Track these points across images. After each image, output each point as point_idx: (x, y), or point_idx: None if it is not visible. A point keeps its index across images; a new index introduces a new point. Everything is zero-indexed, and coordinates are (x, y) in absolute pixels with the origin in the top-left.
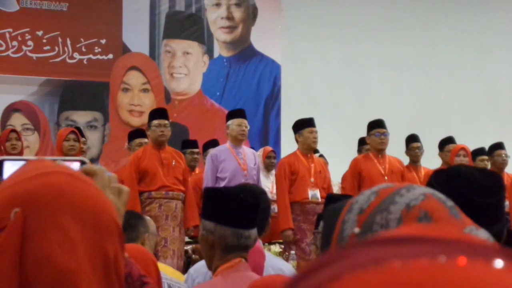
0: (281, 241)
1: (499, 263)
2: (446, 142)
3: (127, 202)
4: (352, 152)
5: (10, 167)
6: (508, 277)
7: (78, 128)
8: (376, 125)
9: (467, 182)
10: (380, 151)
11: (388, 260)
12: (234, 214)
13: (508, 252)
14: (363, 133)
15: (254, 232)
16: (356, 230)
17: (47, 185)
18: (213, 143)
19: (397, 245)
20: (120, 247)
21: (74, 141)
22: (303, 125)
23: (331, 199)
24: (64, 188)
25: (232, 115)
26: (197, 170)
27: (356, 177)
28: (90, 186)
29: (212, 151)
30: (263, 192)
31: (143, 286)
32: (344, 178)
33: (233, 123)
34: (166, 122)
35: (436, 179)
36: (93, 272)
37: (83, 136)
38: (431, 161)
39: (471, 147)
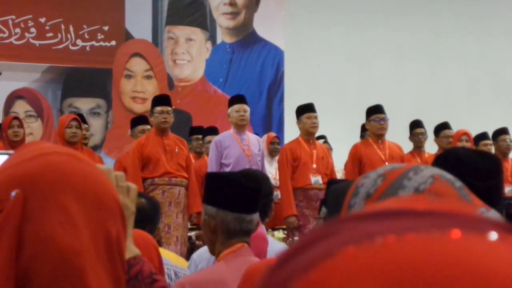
0: (284, 227)
1: (493, 235)
2: (441, 128)
3: (136, 199)
4: (356, 138)
5: None
6: (502, 249)
7: (81, 115)
8: (375, 111)
9: (465, 164)
10: (379, 137)
11: (382, 234)
12: (235, 199)
13: (502, 224)
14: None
15: (256, 216)
16: None
17: (46, 165)
18: (211, 130)
19: (391, 218)
20: (122, 228)
21: (76, 128)
22: (302, 111)
23: (332, 184)
24: (64, 168)
25: (232, 101)
26: (206, 157)
27: (357, 163)
28: (90, 167)
29: (216, 138)
30: (265, 177)
31: (153, 284)
32: (345, 165)
33: (233, 109)
34: (169, 108)
35: (436, 163)
36: (96, 253)
37: (86, 123)
38: (435, 146)
39: (475, 132)
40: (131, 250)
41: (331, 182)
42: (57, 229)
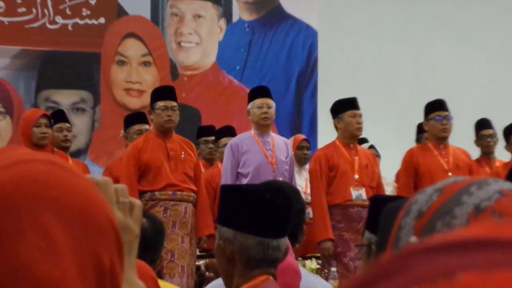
0: (318, 255)
1: None
2: None
3: (141, 219)
4: (409, 142)
5: None
6: None
7: (61, 111)
8: (436, 107)
9: None
10: (441, 140)
11: (461, 271)
12: (259, 219)
13: None
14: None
15: (284, 242)
16: (413, 239)
17: (22, 176)
18: (228, 131)
19: (472, 250)
20: (118, 255)
21: (46, 127)
22: (343, 107)
23: (377, 200)
24: (45, 180)
25: (252, 95)
26: (219, 165)
27: (412, 174)
28: (78, 178)
29: (232, 140)
30: (295, 191)
31: None
32: (397, 176)
33: (254, 105)
34: (174, 104)
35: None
36: (81, 283)
37: (67, 121)
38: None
39: None
40: (134, 283)
41: (376, 198)
42: (34, 256)
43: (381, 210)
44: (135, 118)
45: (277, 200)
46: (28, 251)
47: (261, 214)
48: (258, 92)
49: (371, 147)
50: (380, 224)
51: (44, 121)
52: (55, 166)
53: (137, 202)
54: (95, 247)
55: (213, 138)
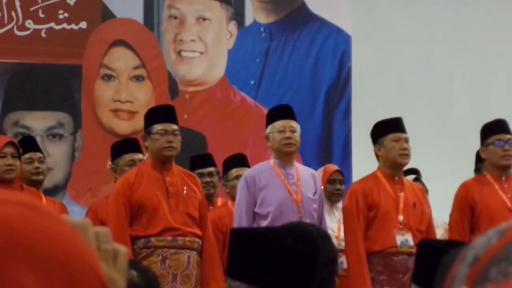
0: None
1: None
2: None
3: (126, 269)
4: (466, 173)
5: None
6: None
7: (32, 138)
8: (496, 129)
9: None
10: (503, 170)
11: None
12: (278, 272)
13: None
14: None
15: None
16: None
17: None
18: (238, 159)
19: None
20: None
21: (13, 157)
22: (384, 130)
23: (425, 247)
24: (18, 226)
25: (272, 116)
26: (219, 201)
27: (467, 213)
28: (57, 223)
29: (247, 172)
30: (325, 236)
31: None
32: (450, 217)
33: (274, 128)
34: (175, 127)
35: None
36: None
37: (39, 151)
38: None
39: None
40: None
41: (425, 244)
42: None
43: (431, 258)
44: (125, 146)
45: (300, 247)
46: None
47: (280, 265)
48: (279, 112)
49: (416, 179)
50: (437, 278)
51: (10, 150)
52: (29, 208)
53: (122, 249)
54: None
55: (211, 169)
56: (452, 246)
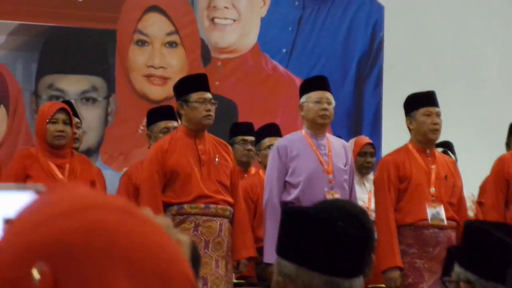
0: (383, 286)
1: None
2: None
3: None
4: (498, 147)
5: None
6: None
7: (68, 102)
8: None
9: None
10: None
11: None
12: (328, 254)
13: None
14: None
15: (358, 283)
16: None
17: (89, 227)
18: (271, 129)
19: None
20: None
21: (65, 124)
22: (416, 104)
23: (471, 228)
24: (115, 232)
25: (307, 87)
26: (252, 170)
27: (503, 187)
28: (153, 229)
29: (279, 142)
30: (366, 216)
31: None
32: (483, 189)
33: (310, 99)
34: (211, 95)
35: None
36: None
37: (75, 115)
38: None
39: None
40: None
41: (471, 225)
42: None
43: (477, 240)
44: (161, 113)
45: (352, 231)
46: None
47: (331, 247)
48: (316, 83)
49: (445, 152)
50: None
51: (62, 116)
52: (128, 215)
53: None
54: None
55: (252, 138)
56: (497, 228)
